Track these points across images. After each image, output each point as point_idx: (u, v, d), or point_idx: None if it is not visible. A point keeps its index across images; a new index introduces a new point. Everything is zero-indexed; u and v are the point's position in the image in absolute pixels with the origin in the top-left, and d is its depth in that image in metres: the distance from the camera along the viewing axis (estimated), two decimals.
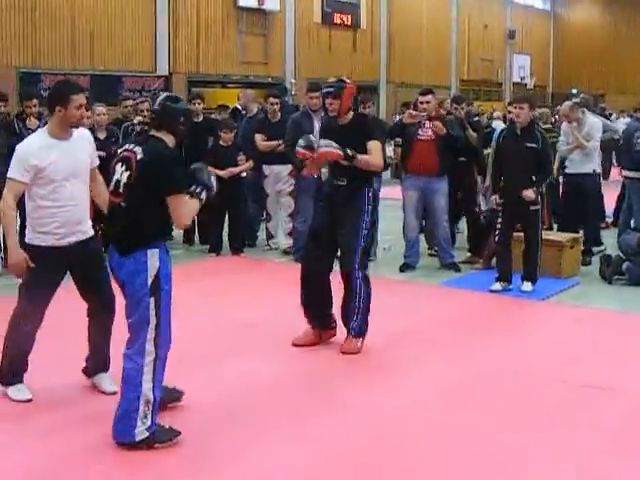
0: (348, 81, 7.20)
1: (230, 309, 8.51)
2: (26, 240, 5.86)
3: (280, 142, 11.22)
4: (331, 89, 7.04)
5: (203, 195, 5.19)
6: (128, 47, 22.77)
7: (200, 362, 6.67)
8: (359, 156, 6.87)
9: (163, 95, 5.37)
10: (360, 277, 7.04)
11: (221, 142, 11.41)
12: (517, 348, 7.31)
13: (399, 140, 10.96)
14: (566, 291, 9.57)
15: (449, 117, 10.90)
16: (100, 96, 15.90)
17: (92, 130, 11.12)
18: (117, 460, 4.92)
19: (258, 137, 11.75)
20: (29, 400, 5.82)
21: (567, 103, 11.74)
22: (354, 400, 5.93)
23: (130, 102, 12.22)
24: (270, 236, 12.27)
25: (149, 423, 4.97)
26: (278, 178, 11.81)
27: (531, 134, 9.19)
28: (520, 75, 38.93)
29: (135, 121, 11.05)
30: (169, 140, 5.17)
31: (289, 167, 11.37)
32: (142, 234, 5.03)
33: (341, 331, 7.27)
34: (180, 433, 5.10)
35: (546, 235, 10.38)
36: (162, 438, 5.04)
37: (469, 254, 11.06)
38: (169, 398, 5.57)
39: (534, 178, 9.10)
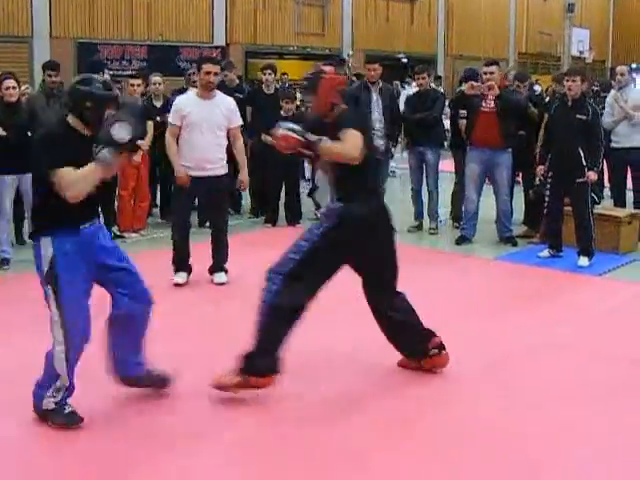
0: (327, 71, 5.75)
1: None
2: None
3: None
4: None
5: (104, 154, 4.70)
6: (185, 18, 22.82)
7: None
8: (324, 143, 5.28)
9: (77, 77, 5.13)
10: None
11: (282, 112, 11.28)
12: (572, 323, 7.28)
13: (464, 112, 10.87)
14: (623, 267, 9.49)
15: (511, 87, 10.86)
16: (157, 67, 15.97)
17: (150, 98, 11.31)
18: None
19: None
20: (179, 284, 8.30)
21: (623, 66, 11.49)
22: (407, 374, 5.98)
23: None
24: (318, 206, 12.32)
25: (59, 398, 4.98)
26: None
27: (582, 106, 9.20)
28: (579, 49, 38.36)
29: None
30: (77, 124, 4.91)
31: None
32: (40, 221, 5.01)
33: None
34: (79, 420, 4.99)
35: (604, 210, 10.35)
36: (56, 419, 5.00)
37: (526, 228, 11.00)
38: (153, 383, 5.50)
39: (581, 151, 9.08)
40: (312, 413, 5.17)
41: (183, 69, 12.79)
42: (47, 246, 4.83)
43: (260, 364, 5.29)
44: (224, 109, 8.25)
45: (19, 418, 5.06)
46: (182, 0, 22.69)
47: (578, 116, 9.12)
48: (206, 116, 8.08)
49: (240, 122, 8.49)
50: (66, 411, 4.98)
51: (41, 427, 4.97)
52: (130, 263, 5.20)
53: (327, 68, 5.78)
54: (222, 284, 8.40)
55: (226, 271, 8.53)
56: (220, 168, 8.27)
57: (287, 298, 5.28)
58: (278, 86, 14.54)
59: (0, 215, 9.04)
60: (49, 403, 4.97)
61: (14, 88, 8.94)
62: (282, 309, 5.28)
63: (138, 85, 10.97)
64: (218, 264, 8.51)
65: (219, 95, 8.35)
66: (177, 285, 8.29)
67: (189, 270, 8.47)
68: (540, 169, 9.59)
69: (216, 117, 8.16)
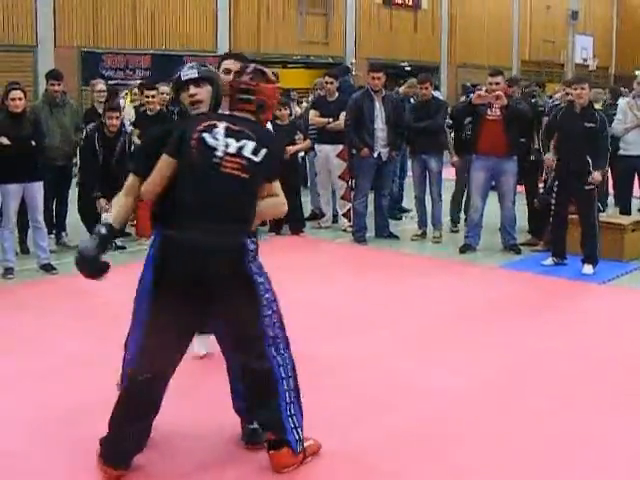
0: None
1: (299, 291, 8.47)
2: None
3: (330, 120, 11.63)
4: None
5: None
6: (189, 27, 22.87)
7: None
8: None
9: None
10: None
11: (277, 121, 11.21)
12: (575, 331, 7.27)
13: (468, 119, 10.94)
14: (627, 275, 9.48)
15: (517, 95, 10.90)
16: (161, 76, 15.94)
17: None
18: None
19: (312, 113, 12.10)
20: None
21: None
22: (413, 382, 5.96)
23: None
24: (321, 215, 12.35)
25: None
26: (328, 158, 11.91)
27: (590, 114, 9.20)
28: (582, 56, 38.39)
29: None
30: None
31: (337, 149, 11.74)
32: None
33: None
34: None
35: (608, 218, 10.35)
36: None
37: (530, 236, 10.99)
38: None
39: (589, 159, 9.07)
40: (315, 423, 5.16)
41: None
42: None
43: (107, 451, 4.44)
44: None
45: (19, 424, 5.02)
46: (186, 9, 22.75)
47: (586, 124, 9.11)
48: None
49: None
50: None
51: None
52: None
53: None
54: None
55: None
56: None
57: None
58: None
59: (5, 224, 9.05)
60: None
61: (20, 99, 8.94)
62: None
63: (153, 97, 10.86)
64: None
65: None
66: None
67: None
68: (548, 159, 9.63)
69: None
